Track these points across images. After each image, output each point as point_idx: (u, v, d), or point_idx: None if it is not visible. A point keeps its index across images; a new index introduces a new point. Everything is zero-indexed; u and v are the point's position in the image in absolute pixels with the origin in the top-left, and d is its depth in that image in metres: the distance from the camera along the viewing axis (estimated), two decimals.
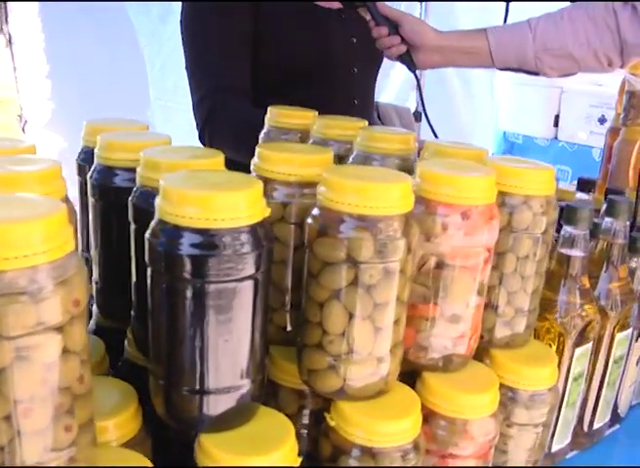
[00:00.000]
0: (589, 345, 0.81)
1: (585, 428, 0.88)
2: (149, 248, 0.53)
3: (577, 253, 0.78)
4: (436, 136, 1.12)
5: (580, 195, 1.13)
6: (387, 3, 1.14)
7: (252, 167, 0.67)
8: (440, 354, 0.66)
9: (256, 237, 0.53)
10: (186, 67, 1.23)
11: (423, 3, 2.63)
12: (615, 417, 0.93)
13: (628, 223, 0.84)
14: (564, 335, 0.77)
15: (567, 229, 0.78)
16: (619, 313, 0.84)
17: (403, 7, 2.48)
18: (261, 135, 0.98)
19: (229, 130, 1.19)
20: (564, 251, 0.79)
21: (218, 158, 0.64)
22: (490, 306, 0.71)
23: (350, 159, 0.84)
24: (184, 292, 0.52)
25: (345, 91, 1.29)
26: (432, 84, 2.62)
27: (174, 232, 0.51)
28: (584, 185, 1.13)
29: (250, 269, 0.53)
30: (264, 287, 0.55)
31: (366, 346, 0.59)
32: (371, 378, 0.60)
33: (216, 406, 0.56)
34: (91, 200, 0.70)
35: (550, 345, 0.79)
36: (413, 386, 0.66)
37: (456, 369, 0.68)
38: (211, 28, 1.18)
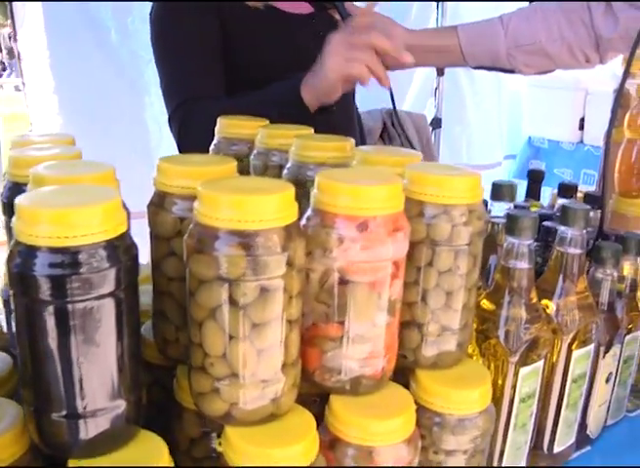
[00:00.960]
0: (539, 364, 0.75)
1: (545, 450, 0.81)
2: (7, 270, 0.51)
3: (521, 264, 0.73)
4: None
5: (562, 201, 1.07)
6: (401, 3, 1.10)
7: (152, 181, 0.65)
8: (347, 376, 0.62)
9: (114, 253, 0.50)
10: (160, 81, 1.22)
11: (440, 3, 2.56)
12: (583, 439, 0.86)
13: (585, 231, 0.78)
14: (506, 354, 0.72)
15: (509, 240, 0.73)
16: (575, 329, 0.78)
17: (415, 7, 2.42)
18: (211, 147, 0.96)
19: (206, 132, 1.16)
20: (507, 263, 0.73)
21: (106, 172, 0.62)
22: (413, 324, 0.67)
23: (285, 170, 0.81)
24: (43, 314, 0.50)
25: None
26: (450, 90, 2.55)
27: (28, 252, 0.49)
28: (566, 191, 1.06)
29: (109, 286, 0.51)
30: (130, 303, 0.53)
31: (249, 369, 0.55)
32: (259, 402, 0.57)
33: (87, 429, 0.53)
34: None
35: (493, 364, 0.73)
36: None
37: (366, 392, 0.63)
38: (178, 40, 1.17)
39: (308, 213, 0.61)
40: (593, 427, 0.88)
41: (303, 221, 0.61)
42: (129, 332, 0.54)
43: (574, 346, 0.78)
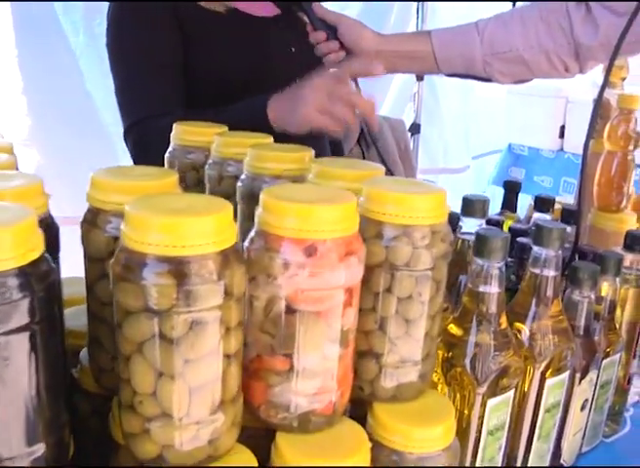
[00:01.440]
0: (509, 394, 0.70)
1: None
2: None
3: (490, 288, 0.68)
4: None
5: (539, 216, 1.02)
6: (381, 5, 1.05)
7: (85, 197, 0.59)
8: (295, 413, 0.57)
9: (26, 281, 0.45)
10: (114, 88, 1.15)
11: (420, 5, 2.50)
12: None
13: (560, 251, 0.73)
14: (473, 384, 0.67)
15: (478, 262, 0.68)
16: (549, 356, 0.73)
17: (395, 11, 2.37)
18: (166, 155, 0.91)
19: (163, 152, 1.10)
20: (475, 286, 0.68)
21: (31, 186, 0.57)
22: (370, 354, 0.61)
23: (239, 182, 0.76)
24: None
25: (287, 76, 1.19)
26: (430, 96, 2.50)
27: None
28: (542, 204, 1.01)
29: (22, 319, 0.45)
30: (47, 337, 0.47)
31: (182, 408, 0.50)
32: (194, 443, 0.51)
33: None
34: None
35: (459, 394, 0.68)
36: None
37: (316, 429, 0.58)
38: (135, 50, 1.10)
39: (252, 234, 0.56)
40: (567, 456, 0.83)
41: (247, 243, 0.56)
42: (47, 368, 0.48)
43: (547, 374, 0.73)
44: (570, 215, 0.97)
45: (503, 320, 0.69)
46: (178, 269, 0.47)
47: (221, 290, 0.49)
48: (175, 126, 0.89)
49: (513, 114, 3.05)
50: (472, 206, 0.81)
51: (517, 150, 3.08)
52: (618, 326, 0.87)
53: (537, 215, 1.02)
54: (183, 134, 0.88)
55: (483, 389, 0.67)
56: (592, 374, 0.82)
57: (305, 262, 0.53)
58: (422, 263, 0.58)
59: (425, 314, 0.61)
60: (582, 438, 0.87)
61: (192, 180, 0.90)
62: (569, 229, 0.96)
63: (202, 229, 0.48)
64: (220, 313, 0.49)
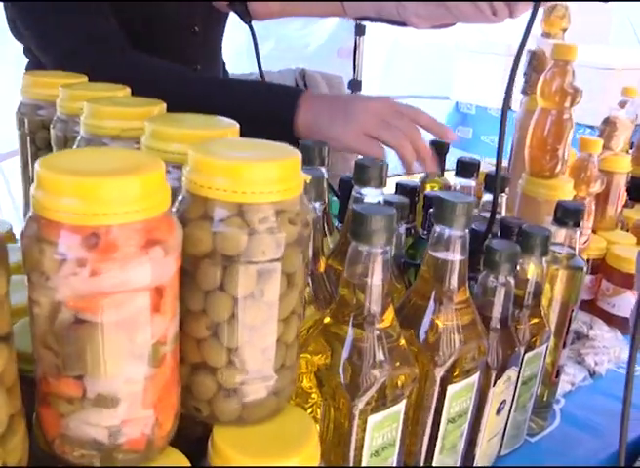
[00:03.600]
0: (397, 408, 0.57)
1: None
2: None
3: (374, 279, 0.54)
4: None
5: (461, 182, 0.88)
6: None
7: None
8: (93, 449, 0.43)
9: None
10: (30, 25, 0.97)
11: None
12: None
13: (467, 232, 0.60)
14: (348, 400, 0.54)
15: (354, 245, 0.54)
16: (452, 358, 0.60)
17: None
18: (15, 111, 0.75)
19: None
20: (351, 274, 0.55)
21: None
22: (205, 368, 0.48)
23: (75, 144, 0.61)
24: None
25: (186, 56, 1.04)
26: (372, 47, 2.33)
27: None
28: (465, 170, 0.88)
29: None
30: None
31: None
32: None
33: None
34: None
35: (332, 409, 0.55)
36: None
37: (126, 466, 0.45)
38: None
39: (27, 218, 0.41)
40: (482, 462, 0.72)
41: (21, 230, 0.41)
42: None
43: (451, 379, 0.61)
44: (494, 183, 0.84)
45: (389, 316, 0.56)
46: None
47: None
48: (24, 76, 0.74)
49: (460, 71, 2.89)
50: (366, 172, 0.67)
51: (464, 109, 2.93)
52: (544, 312, 0.74)
53: (459, 181, 0.89)
54: (33, 86, 0.73)
55: (361, 405, 0.54)
56: (511, 372, 0.70)
57: (86, 257, 0.38)
58: (263, 253, 0.44)
59: (274, 317, 0.47)
60: (502, 441, 0.75)
61: (43, 142, 0.75)
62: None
63: None
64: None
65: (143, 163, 0.41)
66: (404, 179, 0.90)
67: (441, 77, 2.90)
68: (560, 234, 0.76)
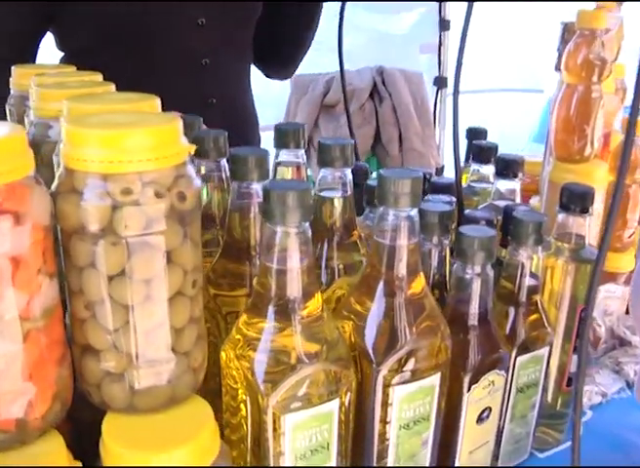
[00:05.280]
0: (330, 406, 0.52)
1: None
2: None
3: (292, 263, 0.50)
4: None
5: (476, 167, 0.81)
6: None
7: None
8: None
9: None
10: None
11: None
12: None
13: (414, 212, 0.53)
14: (260, 394, 0.50)
15: (267, 226, 0.50)
16: (394, 354, 0.54)
17: None
18: (6, 104, 0.77)
19: None
20: (267, 257, 0.50)
21: None
22: (90, 351, 0.45)
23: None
24: None
25: (189, 50, 1.02)
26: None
27: None
28: (481, 153, 0.80)
29: None
30: None
31: None
32: None
33: None
34: None
35: (249, 401, 0.51)
36: None
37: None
38: None
39: None
40: None
41: None
42: None
43: (389, 378, 0.54)
44: (507, 167, 0.76)
45: (313, 305, 0.51)
46: None
47: None
48: (13, 69, 0.76)
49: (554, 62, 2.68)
50: (327, 152, 0.62)
51: None
52: (544, 310, 0.66)
53: (474, 167, 0.82)
54: (19, 77, 0.75)
55: (273, 401, 0.49)
56: (494, 376, 0.62)
57: None
58: (127, 227, 0.41)
59: (153, 298, 0.44)
60: (496, 454, 0.67)
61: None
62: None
63: None
64: None
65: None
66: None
67: (534, 69, 2.73)
68: (567, 222, 0.67)
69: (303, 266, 0.49)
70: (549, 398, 0.72)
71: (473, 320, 0.61)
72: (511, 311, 0.65)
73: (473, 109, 2.85)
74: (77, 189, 0.42)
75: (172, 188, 0.42)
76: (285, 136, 0.67)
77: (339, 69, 1.02)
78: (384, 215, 0.53)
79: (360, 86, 1.84)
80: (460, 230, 0.59)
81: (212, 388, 0.55)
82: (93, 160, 0.41)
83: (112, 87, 0.61)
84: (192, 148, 0.44)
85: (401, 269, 0.54)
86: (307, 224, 0.49)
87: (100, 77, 0.69)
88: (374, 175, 0.82)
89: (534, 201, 0.95)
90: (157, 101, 0.53)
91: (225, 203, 0.64)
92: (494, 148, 0.81)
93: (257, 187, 0.57)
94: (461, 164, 0.99)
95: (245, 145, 1.08)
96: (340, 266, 0.65)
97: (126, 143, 0.41)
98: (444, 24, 2.11)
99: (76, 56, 1.00)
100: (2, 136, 0.39)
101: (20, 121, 0.73)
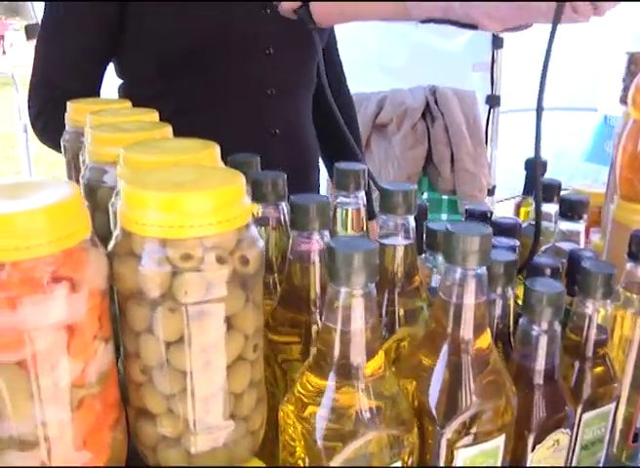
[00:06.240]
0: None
1: None
2: None
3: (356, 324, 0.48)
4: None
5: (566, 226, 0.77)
6: None
7: None
8: None
9: None
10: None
11: None
12: None
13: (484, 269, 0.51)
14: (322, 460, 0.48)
15: (333, 287, 0.48)
16: (459, 416, 0.52)
17: None
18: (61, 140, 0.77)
19: None
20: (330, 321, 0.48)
21: None
22: (145, 414, 0.44)
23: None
24: None
25: (257, 79, 1.01)
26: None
27: None
28: (545, 192, 0.77)
29: None
30: None
31: None
32: None
33: None
34: None
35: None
36: None
37: None
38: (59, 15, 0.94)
39: None
40: None
41: None
42: None
43: (463, 443, 0.52)
44: (572, 209, 0.73)
45: (376, 364, 0.49)
46: None
47: None
48: (69, 104, 0.75)
49: (608, 80, 2.60)
50: (390, 198, 0.60)
51: (614, 122, 2.65)
52: (612, 365, 0.62)
53: (563, 225, 0.77)
54: (74, 113, 0.74)
55: (334, 465, 0.47)
56: (559, 435, 0.59)
57: None
58: (187, 294, 0.40)
59: (213, 364, 0.42)
60: None
61: None
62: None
63: None
64: None
65: (51, 194, 0.39)
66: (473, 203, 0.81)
67: (588, 87, 2.66)
68: (636, 271, 0.64)
69: (368, 327, 0.47)
70: (614, 449, 0.69)
71: (539, 378, 0.58)
72: (577, 364, 0.62)
73: (527, 128, 2.79)
74: (135, 252, 0.41)
75: (234, 252, 0.41)
76: (346, 177, 0.65)
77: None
78: (451, 272, 0.51)
79: (413, 105, 1.81)
80: (527, 284, 0.57)
81: (268, 436, 0.53)
82: (152, 224, 0.40)
83: (169, 129, 0.60)
84: (255, 208, 0.43)
85: (468, 328, 0.51)
86: (373, 285, 0.47)
87: (156, 115, 0.69)
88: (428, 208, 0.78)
89: (595, 237, 0.91)
90: (216, 150, 0.51)
91: (283, 245, 0.63)
92: (557, 186, 0.77)
93: (318, 237, 0.55)
94: (518, 193, 0.97)
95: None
96: (402, 313, 0.63)
97: (187, 207, 0.40)
98: (497, 42, 2.07)
99: (136, 84, 1.00)
100: (57, 201, 0.38)
101: (75, 157, 0.73)
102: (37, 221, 0.36)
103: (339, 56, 1.23)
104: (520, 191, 0.92)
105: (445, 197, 1.95)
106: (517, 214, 0.93)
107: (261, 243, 0.43)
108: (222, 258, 0.40)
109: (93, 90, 0.97)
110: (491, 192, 2.02)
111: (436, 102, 1.83)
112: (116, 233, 0.42)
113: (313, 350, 0.49)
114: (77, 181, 0.74)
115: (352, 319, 0.47)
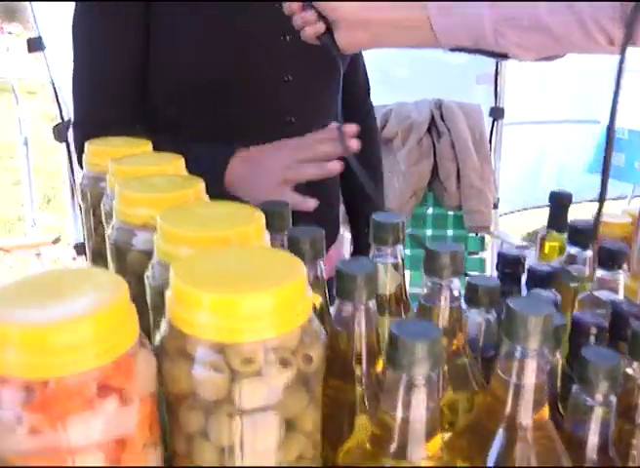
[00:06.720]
0: None
1: None
2: None
3: (415, 413, 0.45)
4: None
5: (574, 251, 0.75)
6: None
7: None
8: None
9: None
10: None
11: None
12: None
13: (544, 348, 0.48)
14: None
15: (393, 373, 0.44)
16: None
17: None
18: (79, 182, 0.73)
19: None
20: (389, 408, 0.45)
21: None
22: None
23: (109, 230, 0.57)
24: None
25: (276, 106, 0.98)
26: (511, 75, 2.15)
27: None
28: (576, 235, 0.74)
29: None
30: None
31: None
32: None
33: None
34: None
35: None
36: None
37: None
38: (92, 40, 0.93)
39: None
40: None
41: None
42: None
43: None
44: (611, 258, 0.70)
45: (433, 446, 0.45)
46: None
47: None
48: (86, 145, 0.72)
49: (610, 91, 2.58)
50: (436, 260, 0.56)
51: (616, 133, 2.63)
52: None
53: (570, 250, 0.75)
54: (92, 156, 0.70)
55: None
56: None
57: (21, 416, 0.33)
58: (249, 400, 0.37)
59: (273, 464, 0.39)
60: None
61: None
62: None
63: None
64: None
65: (96, 303, 0.35)
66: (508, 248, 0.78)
67: (589, 99, 2.65)
68: None
69: (428, 414, 0.44)
70: None
71: (592, 452, 0.55)
72: (626, 430, 0.59)
73: (531, 140, 2.77)
74: (188, 353, 0.37)
75: (297, 351, 0.38)
76: (383, 230, 0.61)
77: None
78: (512, 351, 0.48)
79: (418, 120, 1.78)
80: (583, 355, 0.54)
81: None
82: (207, 325, 0.36)
83: (202, 185, 0.57)
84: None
85: (527, 407, 0.49)
86: (435, 373, 0.44)
87: (182, 161, 0.65)
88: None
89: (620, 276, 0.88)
90: (262, 221, 0.48)
91: (321, 304, 0.59)
92: (590, 230, 0.74)
93: (363, 307, 0.52)
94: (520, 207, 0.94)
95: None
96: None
97: (246, 310, 0.36)
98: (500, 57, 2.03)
99: (153, 113, 0.96)
100: (105, 305, 0.34)
101: (95, 204, 0.69)
102: (84, 332, 0.33)
103: (366, 74, 1.22)
104: (522, 205, 0.89)
105: (451, 213, 1.92)
106: (542, 247, 0.90)
107: (324, 335, 0.40)
108: (286, 360, 0.37)
109: (133, 119, 0.96)
110: (495, 206, 1.99)
111: (442, 117, 1.80)
112: (163, 329, 0.39)
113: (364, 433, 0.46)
114: (95, 230, 0.71)
115: (412, 407, 0.44)
